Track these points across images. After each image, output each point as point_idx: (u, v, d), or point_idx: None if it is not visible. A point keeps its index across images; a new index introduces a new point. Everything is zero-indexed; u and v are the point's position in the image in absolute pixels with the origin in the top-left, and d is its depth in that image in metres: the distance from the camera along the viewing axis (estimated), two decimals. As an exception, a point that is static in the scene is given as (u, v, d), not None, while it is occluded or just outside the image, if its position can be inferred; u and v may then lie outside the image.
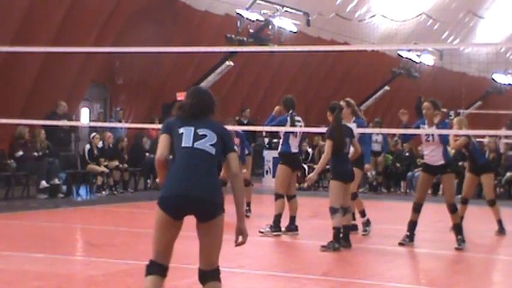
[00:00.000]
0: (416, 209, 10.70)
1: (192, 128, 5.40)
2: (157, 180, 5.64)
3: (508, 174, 19.94)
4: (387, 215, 15.21)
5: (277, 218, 11.42)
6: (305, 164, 22.24)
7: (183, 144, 5.33)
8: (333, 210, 10.00)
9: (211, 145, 5.36)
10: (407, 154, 21.89)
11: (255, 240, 11.12)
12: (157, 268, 5.48)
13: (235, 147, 5.60)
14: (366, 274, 8.58)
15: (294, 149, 11.61)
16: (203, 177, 5.26)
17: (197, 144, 5.34)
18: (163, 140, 5.44)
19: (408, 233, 10.70)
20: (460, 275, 9.02)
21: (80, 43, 17.84)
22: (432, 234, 12.62)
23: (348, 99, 11.46)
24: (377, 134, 17.33)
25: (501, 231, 12.61)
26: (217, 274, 5.44)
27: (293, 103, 11.79)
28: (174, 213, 5.31)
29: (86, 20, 18.99)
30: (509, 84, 35.84)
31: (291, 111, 11.66)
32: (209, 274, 5.45)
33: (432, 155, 10.53)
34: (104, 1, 19.47)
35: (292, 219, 11.60)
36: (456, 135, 12.12)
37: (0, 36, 16.43)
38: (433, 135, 10.44)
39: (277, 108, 11.88)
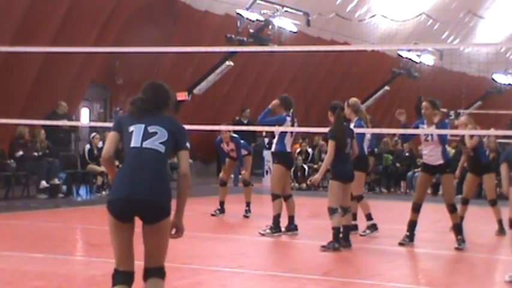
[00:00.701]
0: (416, 209, 10.69)
1: (143, 126, 5.21)
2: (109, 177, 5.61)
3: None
4: (387, 215, 15.18)
5: (277, 218, 11.42)
6: (305, 164, 22.25)
7: (132, 144, 5.19)
8: (332, 211, 10.00)
9: (161, 143, 5.17)
10: (407, 154, 21.89)
11: (255, 240, 11.12)
12: (122, 276, 5.29)
13: (187, 145, 5.35)
14: (366, 274, 8.58)
15: (289, 148, 11.63)
16: (150, 179, 5.05)
17: (146, 144, 5.15)
18: (110, 138, 5.35)
19: (408, 233, 10.70)
20: (460, 274, 9.02)
21: (80, 43, 17.85)
22: (432, 234, 12.61)
23: (353, 99, 11.45)
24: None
25: (501, 231, 12.61)
26: (161, 272, 5.32)
27: (292, 102, 11.82)
28: (120, 216, 5.14)
29: (86, 20, 18.99)
30: (509, 84, 35.84)
31: (292, 111, 11.67)
32: (152, 271, 5.32)
33: (431, 154, 10.52)
34: (104, 1, 19.48)
35: (291, 218, 11.60)
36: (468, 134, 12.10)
37: (0, 36, 16.43)
38: (432, 135, 10.44)
39: (275, 102, 11.72)
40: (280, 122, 11.59)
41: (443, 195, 10.84)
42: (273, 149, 11.79)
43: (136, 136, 5.19)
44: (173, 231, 5.26)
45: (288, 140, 11.61)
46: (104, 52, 18.26)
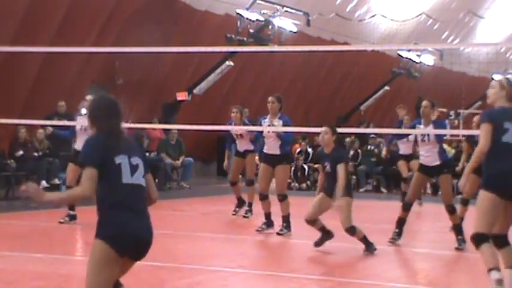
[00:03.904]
0: (406, 208, 10.67)
1: (126, 157, 4.87)
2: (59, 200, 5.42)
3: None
4: (387, 215, 15.18)
5: (288, 217, 11.47)
6: (305, 164, 22.25)
7: (124, 180, 4.83)
8: (352, 230, 9.81)
9: (143, 176, 4.96)
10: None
11: (255, 240, 11.12)
12: None
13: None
14: (365, 274, 8.58)
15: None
16: (148, 219, 4.95)
17: (134, 179, 4.88)
18: (92, 175, 4.81)
19: (397, 230, 10.68)
20: (460, 275, 9.03)
21: (80, 43, 17.85)
22: (432, 234, 12.61)
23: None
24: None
25: None
26: None
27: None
28: (127, 253, 4.92)
29: (86, 20, 18.99)
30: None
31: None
32: None
33: (428, 155, 10.48)
34: (104, 1, 19.47)
35: (268, 215, 11.73)
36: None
37: (0, 36, 16.44)
38: (428, 135, 10.43)
39: (273, 105, 11.66)
40: (289, 124, 11.74)
41: (442, 196, 10.80)
42: (280, 151, 11.59)
43: (125, 170, 4.85)
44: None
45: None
46: (104, 52, 18.25)
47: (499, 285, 6.50)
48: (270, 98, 11.72)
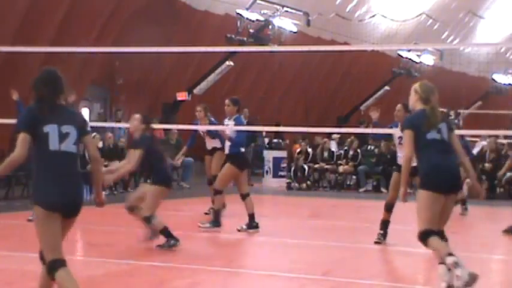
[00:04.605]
0: (388, 209, 10.67)
1: (56, 127, 5.37)
2: None
3: (508, 174, 19.93)
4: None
5: (218, 212, 11.63)
6: (305, 164, 22.24)
7: (51, 147, 5.36)
8: (148, 219, 9.81)
9: (74, 143, 5.47)
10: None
11: (255, 240, 11.12)
12: (62, 262, 5.73)
13: (89, 129, 5.73)
14: (366, 274, 8.57)
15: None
16: (75, 183, 5.54)
17: (63, 147, 5.40)
18: (24, 140, 5.38)
19: (382, 231, 10.68)
20: (460, 275, 9.01)
21: (80, 43, 17.85)
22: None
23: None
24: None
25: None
26: (66, 262, 5.73)
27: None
28: (59, 212, 5.48)
29: (86, 20, 19.00)
30: (509, 84, 35.85)
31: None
32: (63, 262, 5.73)
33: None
34: (104, 1, 19.48)
35: (251, 216, 11.63)
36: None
37: (0, 36, 16.44)
38: (401, 138, 10.47)
39: (229, 108, 11.91)
40: (242, 124, 11.96)
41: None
42: (227, 151, 11.78)
43: (53, 138, 5.35)
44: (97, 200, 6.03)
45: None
46: (104, 52, 18.26)
47: (458, 267, 6.74)
48: (226, 101, 12.05)
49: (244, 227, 11.46)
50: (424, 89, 7.23)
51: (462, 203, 15.49)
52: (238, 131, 11.67)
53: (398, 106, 10.67)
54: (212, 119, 14.34)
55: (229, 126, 11.73)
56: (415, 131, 7.06)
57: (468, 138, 17.54)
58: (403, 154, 10.24)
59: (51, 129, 5.33)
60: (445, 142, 7.08)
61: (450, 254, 6.84)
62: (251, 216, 11.49)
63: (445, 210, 7.08)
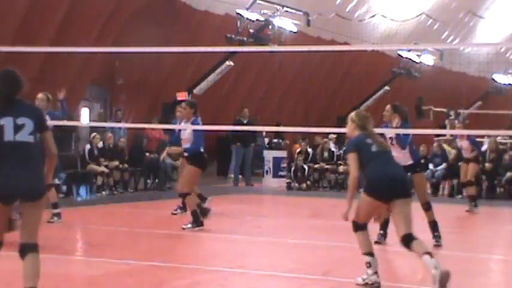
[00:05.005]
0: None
1: (11, 119, 5.70)
2: None
3: (508, 174, 19.95)
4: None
5: (195, 212, 11.70)
6: (305, 164, 22.25)
7: (5, 138, 5.67)
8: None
9: (30, 134, 5.75)
10: None
11: (255, 240, 11.13)
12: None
13: (48, 125, 6.06)
14: (365, 274, 8.56)
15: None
16: (32, 170, 5.73)
17: (18, 137, 5.70)
18: None
19: (382, 231, 10.73)
20: (459, 275, 9.01)
21: (80, 43, 17.85)
22: (431, 234, 12.59)
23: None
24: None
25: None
26: (37, 247, 5.95)
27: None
28: (5, 202, 5.80)
29: (86, 20, 19.00)
30: (509, 84, 35.85)
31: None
32: (31, 246, 5.95)
33: (399, 156, 10.56)
34: (104, 1, 19.48)
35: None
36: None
37: (0, 36, 16.43)
38: (393, 138, 10.54)
39: (185, 111, 12.23)
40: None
41: (416, 194, 10.78)
42: (186, 152, 12.02)
43: (8, 130, 5.68)
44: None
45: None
46: (104, 52, 18.25)
47: (369, 268, 7.48)
48: (182, 104, 12.65)
49: (189, 225, 11.58)
50: (360, 117, 7.77)
51: (471, 199, 15.62)
52: (195, 132, 11.84)
53: (387, 107, 10.73)
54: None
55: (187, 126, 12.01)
56: (359, 152, 7.56)
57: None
58: (396, 154, 10.45)
59: (7, 122, 5.67)
60: (388, 153, 7.78)
61: (369, 254, 7.57)
62: (194, 213, 11.65)
63: (398, 214, 7.44)
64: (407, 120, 10.80)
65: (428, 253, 7.19)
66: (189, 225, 11.57)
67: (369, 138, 7.62)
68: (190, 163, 11.83)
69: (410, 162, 10.52)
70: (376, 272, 7.47)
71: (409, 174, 10.56)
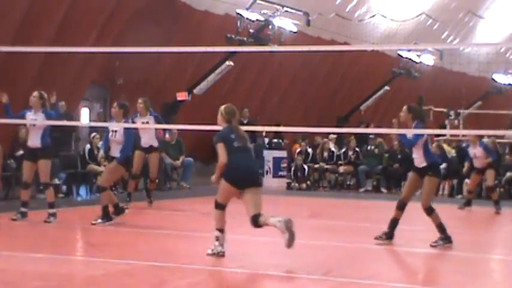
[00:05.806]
0: (400, 207, 10.70)
1: None
2: None
3: (508, 174, 19.95)
4: (387, 215, 15.18)
5: (105, 208, 12.15)
6: (305, 164, 22.25)
7: None
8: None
9: None
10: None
11: (255, 240, 11.12)
12: None
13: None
14: (366, 274, 8.57)
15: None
16: None
17: None
18: None
19: (387, 230, 10.70)
20: (460, 275, 9.02)
21: (80, 43, 17.84)
22: (432, 234, 12.59)
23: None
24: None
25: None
26: None
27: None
28: None
29: (86, 20, 18.99)
30: (509, 84, 35.84)
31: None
32: None
33: (416, 157, 10.62)
34: (104, 1, 19.47)
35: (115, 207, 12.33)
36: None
37: (0, 36, 16.43)
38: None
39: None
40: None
41: (420, 197, 10.76)
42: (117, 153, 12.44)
43: None
44: None
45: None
46: (104, 52, 18.25)
47: (217, 241, 9.02)
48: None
49: (100, 220, 12.05)
50: (227, 112, 9.60)
51: (495, 203, 15.91)
52: (127, 135, 12.30)
53: (404, 107, 10.76)
54: (155, 114, 14.91)
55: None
56: (225, 142, 9.20)
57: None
58: (418, 155, 10.54)
59: None
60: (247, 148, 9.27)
61: (221, 230, 9.10)
62: (104, 209, 12.09)
63: (249, 199, 9.07)
64: (423, 121, 10.82)
65: (272, 216, 8.90)
66: (99, 220, 12.04)
67: (233, 133, 9.27)
68: (117, 163, 12.39)
69: (424, 164, 10.49)
70: (222, 244, 9.01)
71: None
